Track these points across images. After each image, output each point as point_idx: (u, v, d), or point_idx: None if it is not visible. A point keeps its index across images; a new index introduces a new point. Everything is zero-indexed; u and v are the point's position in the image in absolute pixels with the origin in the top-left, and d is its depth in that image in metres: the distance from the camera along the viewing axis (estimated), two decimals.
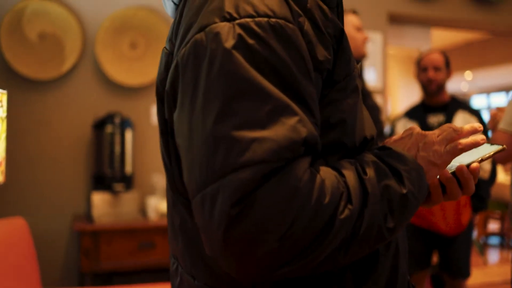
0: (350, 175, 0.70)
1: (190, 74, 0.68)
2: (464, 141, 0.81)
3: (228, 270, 0.65)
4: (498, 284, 4.50)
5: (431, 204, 0.86)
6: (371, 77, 3.95)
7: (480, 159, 0.84)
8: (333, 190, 0.66)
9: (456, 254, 2.79)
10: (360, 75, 2.47)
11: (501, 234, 6.25)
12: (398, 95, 6.83)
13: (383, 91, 3.99)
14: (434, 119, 2.92)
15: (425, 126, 2.87)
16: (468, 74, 9.10)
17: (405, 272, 0.87)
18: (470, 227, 2.82)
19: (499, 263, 5.43)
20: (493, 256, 5.82)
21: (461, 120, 2.79)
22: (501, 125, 1.87)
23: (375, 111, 2.57)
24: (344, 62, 0.78)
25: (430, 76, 2.90)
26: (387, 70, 4.11)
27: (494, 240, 6.42)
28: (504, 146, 0.86)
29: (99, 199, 2.69)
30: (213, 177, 0.63)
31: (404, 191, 0.72)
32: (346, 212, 0.66)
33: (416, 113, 3.00)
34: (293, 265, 0.64)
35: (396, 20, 4.20)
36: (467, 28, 4.51)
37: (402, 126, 2.99)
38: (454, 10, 4.24)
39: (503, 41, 7.93)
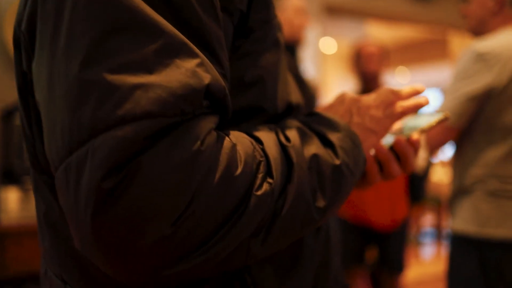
0: (269, 141, 0.54)
1: (51, 3, 0.49)
2: (405, 103, 0.68)
3: (104, 269, 0.47)
4: (432, 275, 4.55)
5: (366, 185, 0.71)
6: (305, 69, 3.84)
7: (420, 129, 0.70)
8: (247, 159, 0.49)
9: (391, 248, 2.75)
10: (294, 62, 2.33)
11: (436, 226, 6.36)
12: (331, 90, 6.81)
13: (317, 84, 3.90)
14: None
15: None
16: (404, 70, 9.28)
17: (338, 269, 0.71)
18: (405, 221, 2.78)
19: (435, 257, 5.51)
20: (428, 249, 5.91)
21: None
22: None
23: (311, 102, 2.45)
24: (261, 5, 0.61)
25: (366, 66, 2.84)
26: (322, 63, 4.02)
27: (429, 234, 6.53)
28: (448, 113, 0.72)
29: (7, 195, 2.41)
30: (80, 138, 0.44)
31: (337, 162, 0.57)
32: (265, 186, 0.50)
33: None
34: (193, 260, 0.46)
35: (331, 11, 4.12)
36: (402, 21, 4.50)
37: None
38: (389, 2, 4.21)
39: (439, 41, 8.15)
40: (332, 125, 0.61)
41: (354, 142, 0.61)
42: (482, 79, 1.66)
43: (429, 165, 2.74)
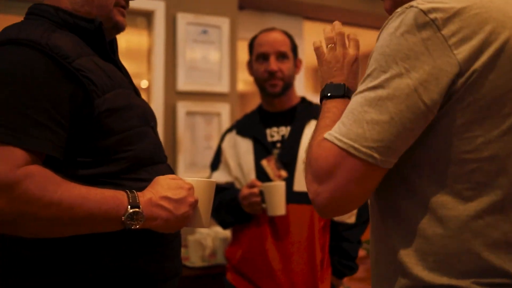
0: None
1: None
2: None
3: None
4: None
5: None
6: (214, 79, 2.95)
7: None
8: None
9: None
10: (113, 56, 1.40)
11: None
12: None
13: (231, 96, 3.00)
14: (276, 133, 1.93)
15: (264, 144, 1.90)
16: None
17: None
18: None
19: None
20: None
21: None
22: (332, 132, 0.85)
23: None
24: None
25: (272, 67, 1.89)
26: (237, 71, 3.11)
27: None
28: None
29: None
30: None
31: None
32: None
33: (250, 125, 1.98)
34: None
35: (250, 5, 3.26)
36: (347, 20, 3.66)
37: (229, 144, 1.98)
38: None
39: None
40: None
41: None
42: (441, 61, 0.78)
43: (366, 214, 1.84)
